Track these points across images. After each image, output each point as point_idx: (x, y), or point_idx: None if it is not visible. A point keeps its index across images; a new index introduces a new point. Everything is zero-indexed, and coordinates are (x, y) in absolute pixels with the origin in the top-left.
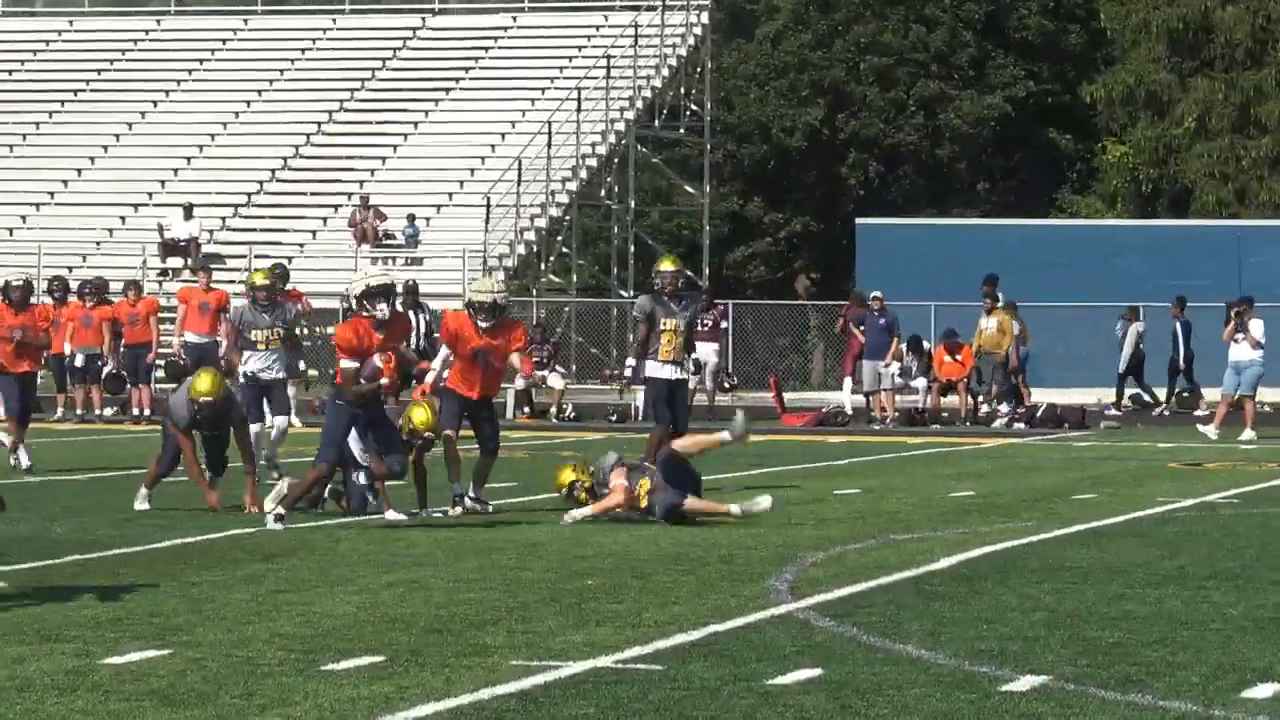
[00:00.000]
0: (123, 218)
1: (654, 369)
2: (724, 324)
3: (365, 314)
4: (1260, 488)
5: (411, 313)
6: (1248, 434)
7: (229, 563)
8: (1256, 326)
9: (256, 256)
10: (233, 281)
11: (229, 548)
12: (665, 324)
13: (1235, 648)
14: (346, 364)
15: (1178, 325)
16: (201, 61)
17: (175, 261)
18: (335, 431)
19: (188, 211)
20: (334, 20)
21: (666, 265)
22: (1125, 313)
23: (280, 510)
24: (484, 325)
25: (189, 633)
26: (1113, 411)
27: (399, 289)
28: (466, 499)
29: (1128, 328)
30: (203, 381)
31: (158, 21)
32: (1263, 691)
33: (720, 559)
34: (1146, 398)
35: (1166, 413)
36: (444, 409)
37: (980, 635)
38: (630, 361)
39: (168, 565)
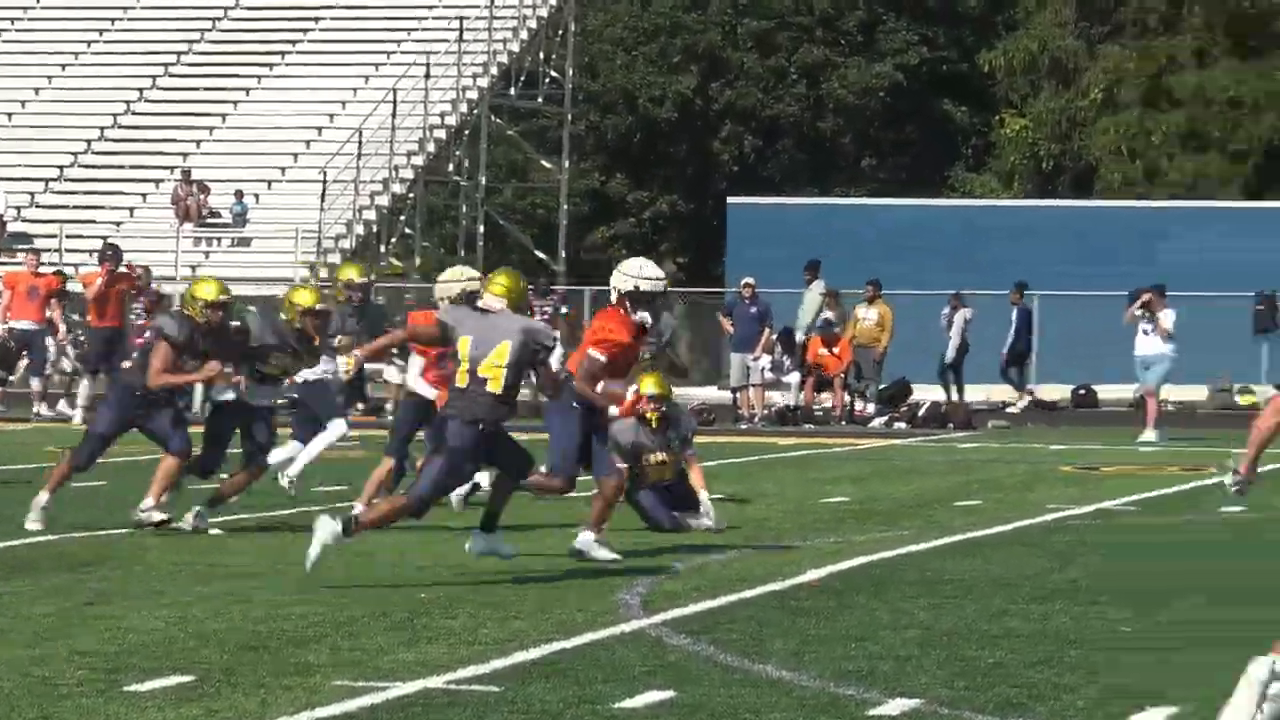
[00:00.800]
0: None
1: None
2: (564, 309)
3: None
4: (1161, 494)
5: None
6: (1149, 434)
7: (33, 572)
8: (1167, 317)
9: (68, 236)
10: (44, 264)
11: (34, 555)
12: None
13: (1127, 669)
14: (595, 354)
15: (1015, 313)
16: (13, 21)
17: None
18: (568, 442)
19: None
20: None
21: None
22: (951, 299)
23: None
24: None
25: None
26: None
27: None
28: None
29: (954, 315)
30: (305, 294)
31: None
32: (1154, 717)
33: (566, 571)
34: (953, 393)
35: (1015, 408)
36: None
37: (848, 654)
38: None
39: None
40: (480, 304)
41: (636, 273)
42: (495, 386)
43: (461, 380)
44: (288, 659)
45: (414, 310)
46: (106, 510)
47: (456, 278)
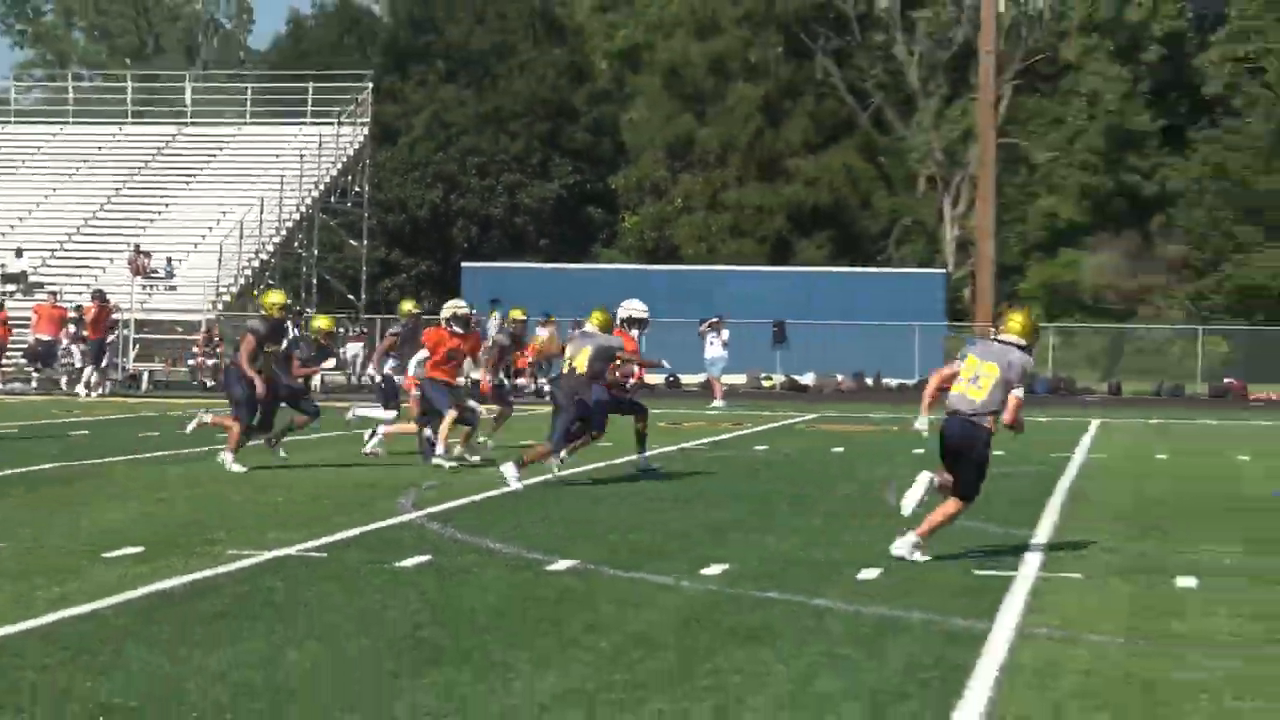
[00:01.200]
0: None
1: None
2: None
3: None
4: (722, 438)
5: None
6: (716, 403)
7: (41, 486)
8: (725, 333)
9: (68, 282)
10: (59, 301)
11: (37, 478)
12: None
13: (699, 543)
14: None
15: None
16: (32, 155)
17: (10, 287)
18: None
19: (18, 253)
20: (120, 128)
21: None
22: (571, 324)
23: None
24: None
25: (12, 532)
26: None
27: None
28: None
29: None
30: (323, 320)
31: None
32: (714, 570)
33: (369, 485)
34: None
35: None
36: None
37: (538, 534)
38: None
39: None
40: (583, 329)
41: (629, 306)
42: (581, 369)
43: (566, 368)
44: (202, 538)
45: (427, 329)
46: (84, 449)
47: (453, 306)
